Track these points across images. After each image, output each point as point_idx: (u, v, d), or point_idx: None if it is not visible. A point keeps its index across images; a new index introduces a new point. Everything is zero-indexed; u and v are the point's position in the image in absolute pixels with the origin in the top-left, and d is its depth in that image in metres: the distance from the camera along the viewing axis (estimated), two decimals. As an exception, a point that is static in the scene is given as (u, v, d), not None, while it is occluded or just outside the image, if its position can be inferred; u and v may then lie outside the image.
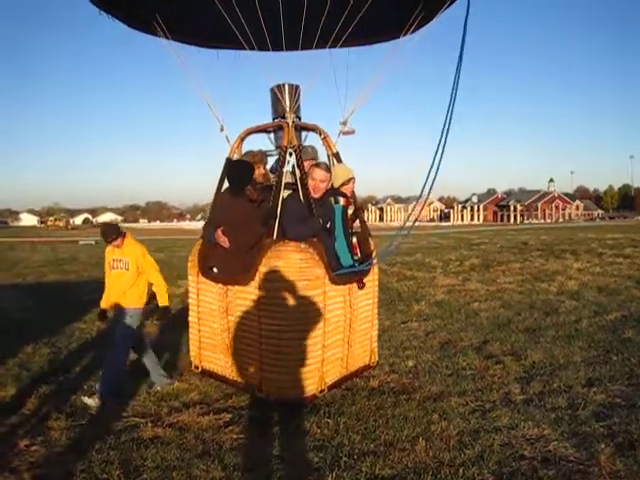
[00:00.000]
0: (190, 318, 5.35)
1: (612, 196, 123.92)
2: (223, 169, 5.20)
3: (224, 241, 4.83)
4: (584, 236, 22.45)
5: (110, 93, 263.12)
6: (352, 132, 5.18)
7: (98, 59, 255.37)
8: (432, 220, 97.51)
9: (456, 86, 4.45)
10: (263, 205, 4.84)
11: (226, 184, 5.14)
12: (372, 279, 5.19)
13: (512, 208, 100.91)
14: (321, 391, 4.63)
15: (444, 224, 70.31)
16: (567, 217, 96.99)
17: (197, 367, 5.27)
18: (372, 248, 5.32)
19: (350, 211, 5.38)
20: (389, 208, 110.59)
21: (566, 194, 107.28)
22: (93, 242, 31.26)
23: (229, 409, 4.73)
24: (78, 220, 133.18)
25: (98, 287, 5.82)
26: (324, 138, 5.21)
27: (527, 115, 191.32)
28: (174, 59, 5.19)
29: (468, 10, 4.48)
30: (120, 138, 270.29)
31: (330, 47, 5.33)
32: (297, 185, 4.74)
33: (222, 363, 4.99)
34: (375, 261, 5.19)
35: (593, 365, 5.63)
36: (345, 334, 4.90)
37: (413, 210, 5.81)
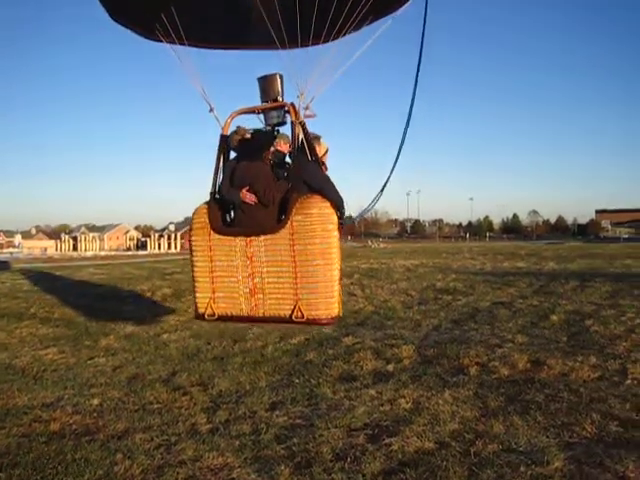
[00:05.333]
0: (197, 275, 5.83)
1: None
2: (219, 143, 5.96)
3: (250, 198, 5.53)
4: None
5: None
6: (313, 116, 5.86)
7: None
8: (129, 249, 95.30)
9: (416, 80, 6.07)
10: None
11: (233, 154, 5.99)
12: None
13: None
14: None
15: (141, 253, 69.08)
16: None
17: (212, 315, 5.71)
18: None
19: None
20: (83, 237, 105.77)
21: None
22: None
23: None
24: None
25: None
26: (294, 122, 5.76)
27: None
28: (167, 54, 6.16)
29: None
30: None
31: (323, 43, 6.07)
32: (308, 153, 5.67)
33: (244, 306, 5.58)
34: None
35: (277, 389, 5.90)
36: None
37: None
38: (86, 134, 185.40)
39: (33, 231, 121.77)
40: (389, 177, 6.24)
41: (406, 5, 6.32)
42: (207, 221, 5.77)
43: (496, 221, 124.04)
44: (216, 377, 6.34)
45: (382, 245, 63.40)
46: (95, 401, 5.64)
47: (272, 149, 5.99)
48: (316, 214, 5.34)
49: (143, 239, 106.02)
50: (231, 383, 6.10)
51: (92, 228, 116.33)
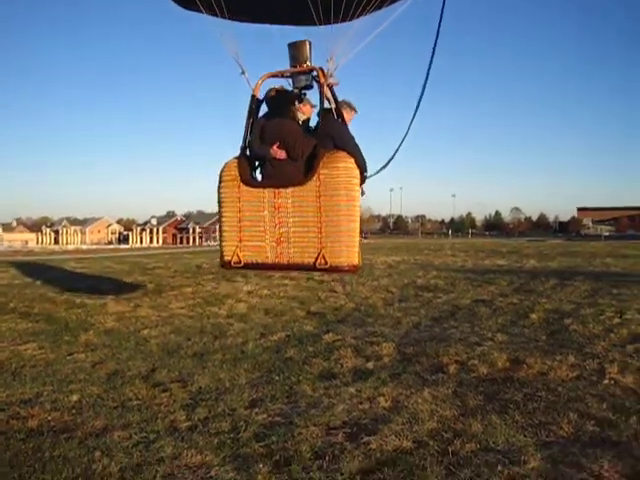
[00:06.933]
0: (225, 225, 6.20)
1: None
2: (250, 103, 6.26)
3: (281, 154, 5.93)
4: (256, 259, 23.38)
5: None
6: (337, 83, 6.26)
7: None
8: (110, 243, 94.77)
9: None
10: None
11: (263, 112, 6.32)
12: None
13: (191, 230, 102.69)
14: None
15: (123, 247, 68.77)
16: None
17: (237, 262, 6.10)
18: None
19: None
20: (65, 230, 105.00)
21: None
22: None
23: None
24: None
25: None
26: (322, 84, 6.14)
27: (200, 138, 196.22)
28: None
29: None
30: None
31: (350, 20, 6.38)
32: (335, 113, 6.21)
33: (269, 254, 5.96)
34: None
35: (257, 386, 5.89)
36: None
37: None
38: (67, 127, 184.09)
39: (14, 224, 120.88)
40: (405, 136, 6.74)
41: None
42: (237, 174, 6.12)
43: (478, 218, 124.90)
44: (196, 374, 6.33)
45: (365, 240, 63.52)
46: (74, 397, 5.60)
47: (298, 113, 6.37)
48: (342, 168, 5.74)
49: (125, 233, 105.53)
50: (211, 380, 6.09)
51: (74, 221, 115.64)
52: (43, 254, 37.21)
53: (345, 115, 6.36)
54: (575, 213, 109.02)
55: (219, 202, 6.33)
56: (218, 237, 6.41)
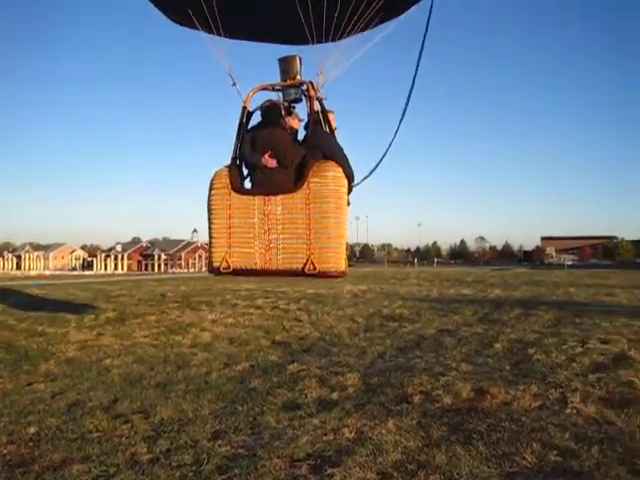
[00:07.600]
0: (215, 232, 6.39)
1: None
2: (241, 114, 6.54)
3: (272, 162, 6.13)
4: (221, 287, 23.08)
5: None
6: (325, 98, 6.53)
7: None
8: (74, 269, 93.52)
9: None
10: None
11: (254, 122, 6.58)
12: None
13: (157, 257, 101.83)
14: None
15: (87, 273, 68.00)
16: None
17: (227, 268, 6.27)
18: None
19: None
20: (28, 255, 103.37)
21: (207, 244, 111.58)
22: None
23: None
24: None
25: None
26: (310, 98, 6.46)
27: (173, 163, 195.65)
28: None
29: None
30: None
31: (338, 39, 6.78)
32: (323, 124, 6.38)
33: (258, 260, 6.12)
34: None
35: (220, 417, 5.79)
36: None
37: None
38: (30, 152, 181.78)
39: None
40: (391, 143, 7.06)
41: (410, 10, 7.08)
42: (228, 182, 6.31)
43: (444, 247, 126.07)
44: (158, 405, 6.21)
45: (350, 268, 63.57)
46: (32, 429, 5.45)
47: (287, 125, 6.57)
48: (331, 177, 5.95)
49: (89, 259, 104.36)
50: (173, 411, 5.99)
51: (37, 247, 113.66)
52: (5, 279, 36.53)
53: (332, 122, 6.53)
54: (539, 242, 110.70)
55: (209, 209, 6.46)
56: (208, 244, 6.62)
